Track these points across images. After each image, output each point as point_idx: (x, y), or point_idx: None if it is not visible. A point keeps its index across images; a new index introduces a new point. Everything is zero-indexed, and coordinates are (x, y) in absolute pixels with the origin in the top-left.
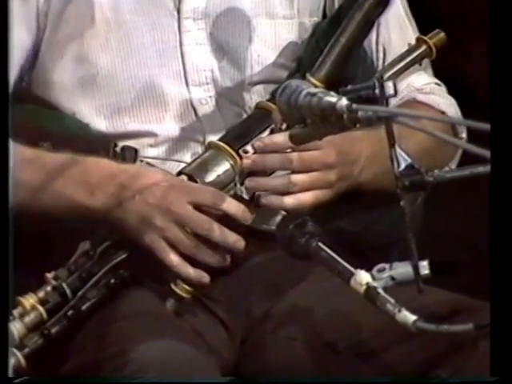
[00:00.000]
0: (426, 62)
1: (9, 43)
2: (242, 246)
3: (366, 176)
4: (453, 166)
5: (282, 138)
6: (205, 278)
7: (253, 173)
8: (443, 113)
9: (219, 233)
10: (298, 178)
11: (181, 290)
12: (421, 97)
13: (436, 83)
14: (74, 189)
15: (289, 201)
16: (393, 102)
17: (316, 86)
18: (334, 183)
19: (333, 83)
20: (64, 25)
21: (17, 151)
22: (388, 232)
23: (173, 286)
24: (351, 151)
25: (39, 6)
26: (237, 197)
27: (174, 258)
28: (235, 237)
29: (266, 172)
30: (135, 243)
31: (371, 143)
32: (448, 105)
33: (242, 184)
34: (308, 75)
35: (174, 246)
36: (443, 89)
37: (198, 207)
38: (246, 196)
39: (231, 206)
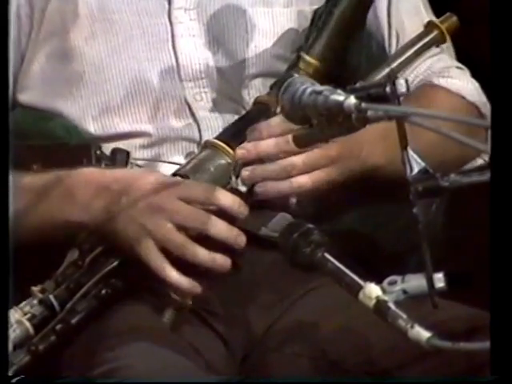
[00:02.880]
0: (448, 45)
1: (9, 43)
2: (243, 242)
3: (377, 158)
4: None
5: (276, 120)
6: (195, 287)
7: (249, 163)
8: (463, 97)
9: (217, 226)
10: (296, 159)
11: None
12: (438, 80)
13: (457, 67)
14: (61, 207)
15: (285, 185)
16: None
17: (311, 65)
18: (335, 159)
19: (330, 61)
20: (47, 20)
21: None
22: (403, 235)
23: (172, 294)
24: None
25: (20, 5)
26: (233, 190)
27: (159, 262)
28: (235, 231)
29: (263, 161)
30: (126, 250)
31: (383, 124)
32: (470, 89)
33: (237, 176)
34: (302, 53)
35: (165, 250)
36: (466, 72)
37: (189, 204)
38: (242, 188)
39: (226, 199)
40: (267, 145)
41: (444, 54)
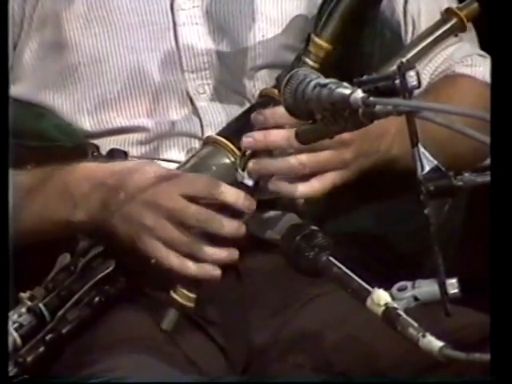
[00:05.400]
0: (469, 31)
1: (9, 43)
2: (243, 231)
3: (398, 151)
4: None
5: (283, 110)
6: (215, 271)
7: (255, 155)
8: (489, 85)
9: (218, 223)
10: (308, 158)
11: (182, 297)
12: (461, 69)
13: (479, 54)
14: (55, 205)
15: (302, 189)
16: (428, 79)
17: (323, 48)
18: (349, 162)
19: (342, 45)
20: (40, 8)
21: None
22: (415, 238)
23: (172, 294)
24: (374, 125)
25: None
26: (238, 184)
27: (173, 258)
28: (236, 223)
29: (271, 153)
30: (127, 250)
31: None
32: None
33: (243, 169)
34: (313, 35)
35: (170, 246)
36: (488, 60)
37: (191, 199)
38: (248, 182)
39: (229, 194)
40: (277, 136)
41: (464, 42)
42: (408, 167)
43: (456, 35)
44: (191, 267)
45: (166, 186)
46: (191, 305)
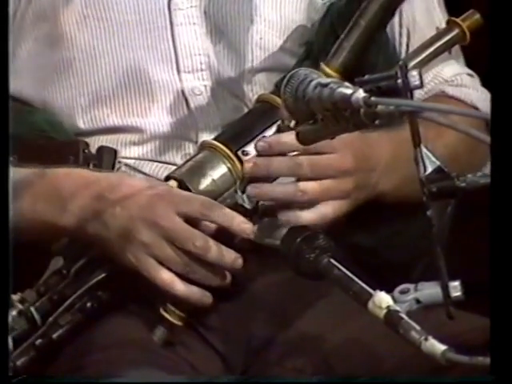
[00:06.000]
0: (456, 48)
1: (9, 44)
2: (240, 264)
3: (385, 185)
4: (486, 170)
5: (290, 137)
6: (206, 297)
7: (256, 179)
8: (476, 109)
9: (215, 252)
10: (307, 185)
11: (172, 315)
12: (450, 90)
13: (468, 74)
14: (43, 206)
15: (309, 216)
16: (417, 95)
17: (330, 76)
18: (350, 192)
19: (350, 72)
20: (36, 2)
21: None
22: (410, 247)
23: (162, 312)
24: (370, 156)
25: None
26: (237, 207)
27: (166, 276)
28: (233, 255)
29: (270, 178)
30: (117, 262)
31: (392, 146)
32: (482, 99)
33: (243, 192)
34: (322, 64)
35: (163, 264)
36: (476, 80)
37: (189, 219)
38: (248, 205)
39: (226, 218)
40: (279, 164)
41: (452, 58)
42: (397, 199)
43: (449, 52)
44: (180, 288)
45: (165, 204)
46: (180, 323)
